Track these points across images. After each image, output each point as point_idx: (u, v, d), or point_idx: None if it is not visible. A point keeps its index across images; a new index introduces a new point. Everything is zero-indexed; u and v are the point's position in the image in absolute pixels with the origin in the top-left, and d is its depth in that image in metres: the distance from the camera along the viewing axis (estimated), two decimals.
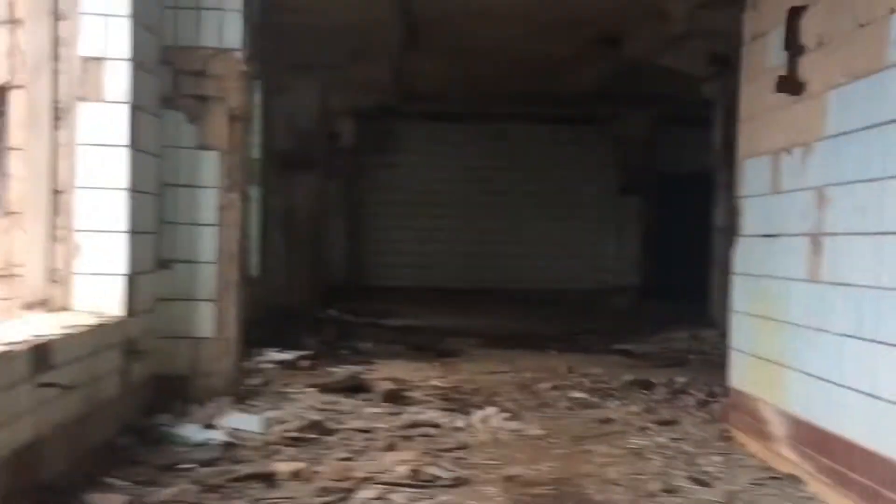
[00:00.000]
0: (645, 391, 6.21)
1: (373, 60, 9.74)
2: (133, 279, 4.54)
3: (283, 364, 7.12)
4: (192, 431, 4.53)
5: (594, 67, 11.39)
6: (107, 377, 4.18)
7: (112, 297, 4.42)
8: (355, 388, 6.13)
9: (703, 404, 5.78)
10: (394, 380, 6.52)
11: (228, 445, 4.37)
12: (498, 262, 14.62)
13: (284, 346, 7.96)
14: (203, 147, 4.95)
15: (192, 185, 4.96)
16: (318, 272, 10.26)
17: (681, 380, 6.45)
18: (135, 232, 4.56)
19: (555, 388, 6.33)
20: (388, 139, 14.63)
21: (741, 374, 4.86)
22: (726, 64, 9.49)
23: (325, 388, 6.00)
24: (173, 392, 4.91)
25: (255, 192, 8.50)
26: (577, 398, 5.96)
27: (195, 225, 4.97)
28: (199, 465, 3.97)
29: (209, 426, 4.62)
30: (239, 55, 4.95)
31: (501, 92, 13.23)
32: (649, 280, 14.29)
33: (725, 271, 9.41)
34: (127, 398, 4.47)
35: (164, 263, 4.99)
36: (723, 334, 9.16)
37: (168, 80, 4.91)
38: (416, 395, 6.01)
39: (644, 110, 13.82)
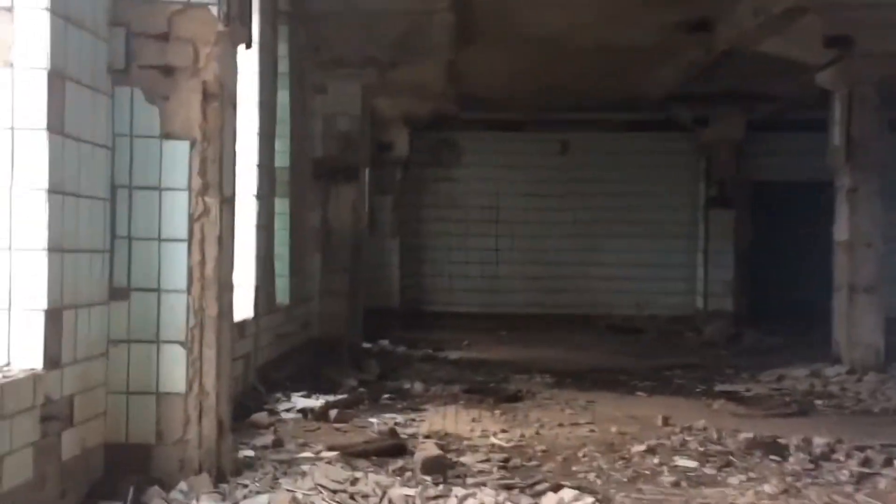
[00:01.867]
0: (775, 457, 4.64)
1: (423, 55, 8.47)
2: (58, 315, 3.24)
3: (307, 413, 5.81)
4: None
5: (678, 60, 9.93)
6: (6, 458, 2.88)
7: (22, 343, 3.12)
8: (391, 450, 4.79)
9: (860, 479, 4.19)
10: (443, 436, 5.26)
11: None
12: (572, 286, 13.17)
13: (315, 389, 6.73)
14: (168, 136, 3.65)
15: (154, 187, 3.66)
16: (362, 298, 8.91)
17: (820, 440, 4.86)
18: (63, 250, 3.27)
19: (651, 450, 4.84)
20: (447, 150, 13.32)
21: None
22: (847, 45, 7.92)
23: (351, 452, 4.68)
24: (129, 467, 3.60)
25: (282, 206, 7.29)
26: (684, 468, 4.45)
27: (158, 240, 3.66)
28: None
29: None
30: (216, 11, 3.65)
31: (570, 96, 11.91)
32: (745, 305, 12.55)
33: (853, 294, 7.88)
34: (49, 482, 3.17)
35: (119, 293, 3.69)
36: (852, 371, 7.55)
37: (120, 47, 3.64)
38: (468, 460, 4.68)
39: (735, 111, 12.19)
